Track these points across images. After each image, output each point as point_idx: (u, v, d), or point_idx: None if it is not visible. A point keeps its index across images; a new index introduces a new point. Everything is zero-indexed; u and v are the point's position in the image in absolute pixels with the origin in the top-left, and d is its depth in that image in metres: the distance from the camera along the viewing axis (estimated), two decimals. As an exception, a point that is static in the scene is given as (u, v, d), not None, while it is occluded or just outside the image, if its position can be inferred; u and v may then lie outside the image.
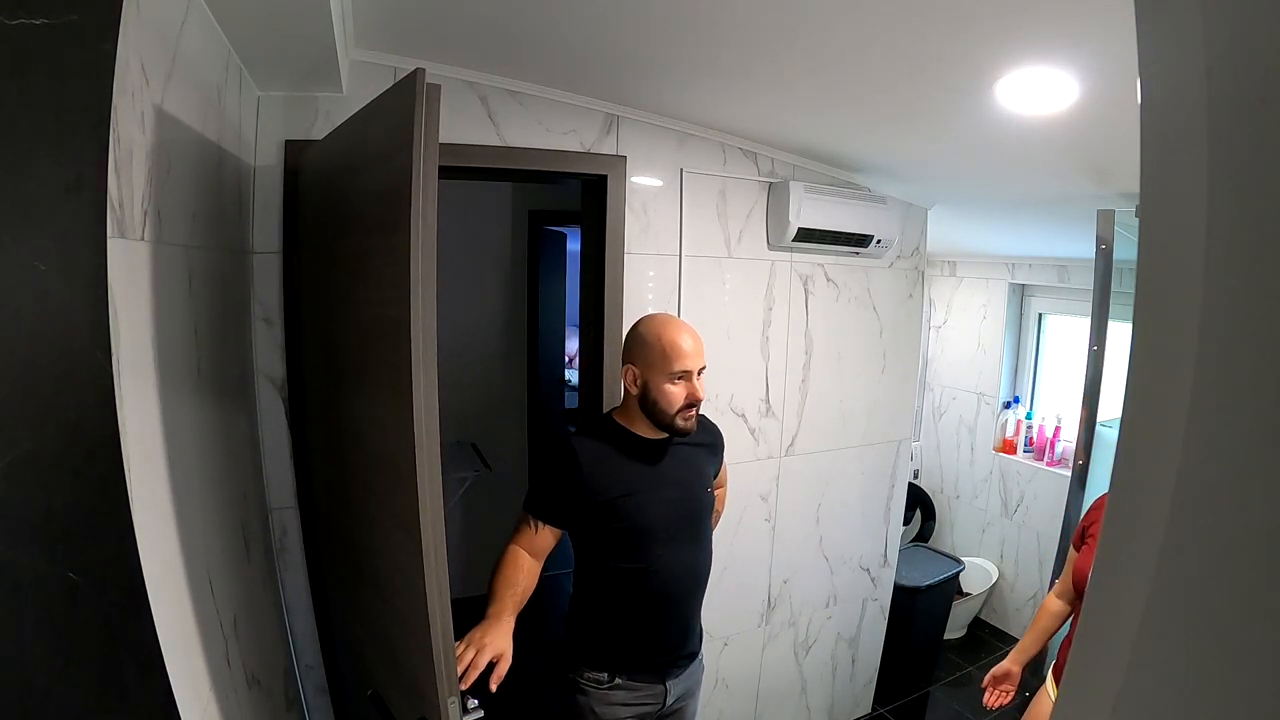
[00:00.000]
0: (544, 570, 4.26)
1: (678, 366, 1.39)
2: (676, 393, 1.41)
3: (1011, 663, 1.72)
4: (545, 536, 1.45)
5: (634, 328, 1.48)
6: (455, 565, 3.60)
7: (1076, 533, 1.70)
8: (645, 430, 1.48)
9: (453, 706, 1.03)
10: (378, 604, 1.24)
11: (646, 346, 1.42)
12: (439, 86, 0.95)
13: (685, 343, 1.41)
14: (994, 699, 1.72)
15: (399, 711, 1.25)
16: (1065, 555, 1.90)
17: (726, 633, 2.31)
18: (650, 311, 2.02)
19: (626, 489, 1.43)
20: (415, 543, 0.97)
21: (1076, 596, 1.68)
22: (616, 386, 1.97)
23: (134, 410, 0.79)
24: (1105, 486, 1.66)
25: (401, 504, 1.00)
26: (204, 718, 0.94)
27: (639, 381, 1.44)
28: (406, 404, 0.94)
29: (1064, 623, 1.72)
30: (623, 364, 1.48)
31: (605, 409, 1.91)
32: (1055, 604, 1.71)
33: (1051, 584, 1.85)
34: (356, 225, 1.16)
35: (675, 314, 2.05)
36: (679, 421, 1.43)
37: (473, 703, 1.10)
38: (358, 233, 1.15)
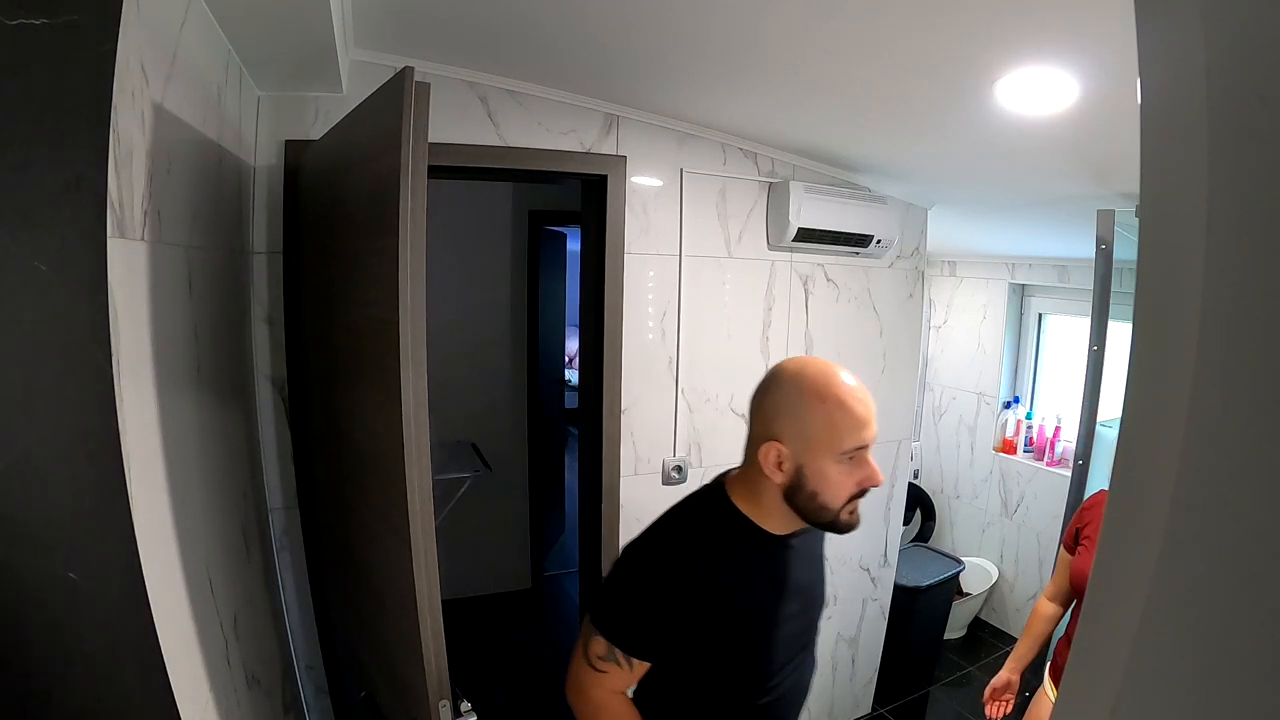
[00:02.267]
0: (543, 570, 4.22)
1: (851, 442, 0.96)
2: (846, 480, 0.97)
3: (1009, 672, 1.72)
4: (639, 671, 1.04)
5: (775, 384, 1.02)
6: (454, 567, 3.58)
7: (1068, 534, 1.70)
8: (778, 524, 1.05)
9: (444, 710, 1.03)
10: (371, 605, 1.24)
11: (805, 413, 0.97)
12: (428, 85, 0.95)
13: (860, 404, 0.97)
14: (996, 711, 1.72)
15: (391, 714, 1.24)
16: (1063, 556, 1.91)
17: (726, 633, 2.30)
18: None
19: (748, 610, 1.04)
20: (405, 544, 0.97)
21: (1074, 598, 1.68)
22: (617, 386, 1.97)
23: (134, 410, 0.79)
24: (1105, 486, 1.66)
25: (391, 505, 1.00)
26: (204, 718, 0.94)
27: (787, 464, 0.99)
28: (395, 405, 0.94)
29: (1057, 625, 1.73)
30: (759, 439, 1.02)
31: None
32: (1048, 607, 1.71)
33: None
34: (349, 225, 1.16)
35: (676, 314, 2.05)
36: (844, 517, 1.00)
37: (465, 705, 1.09)
38: (350, 233, 1.15)
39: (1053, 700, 1.62)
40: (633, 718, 1.04)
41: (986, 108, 1.44)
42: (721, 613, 1.01)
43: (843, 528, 1.01)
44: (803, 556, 1.10)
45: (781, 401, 1.00)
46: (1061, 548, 1.74)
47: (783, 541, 1.07)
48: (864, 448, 0.98)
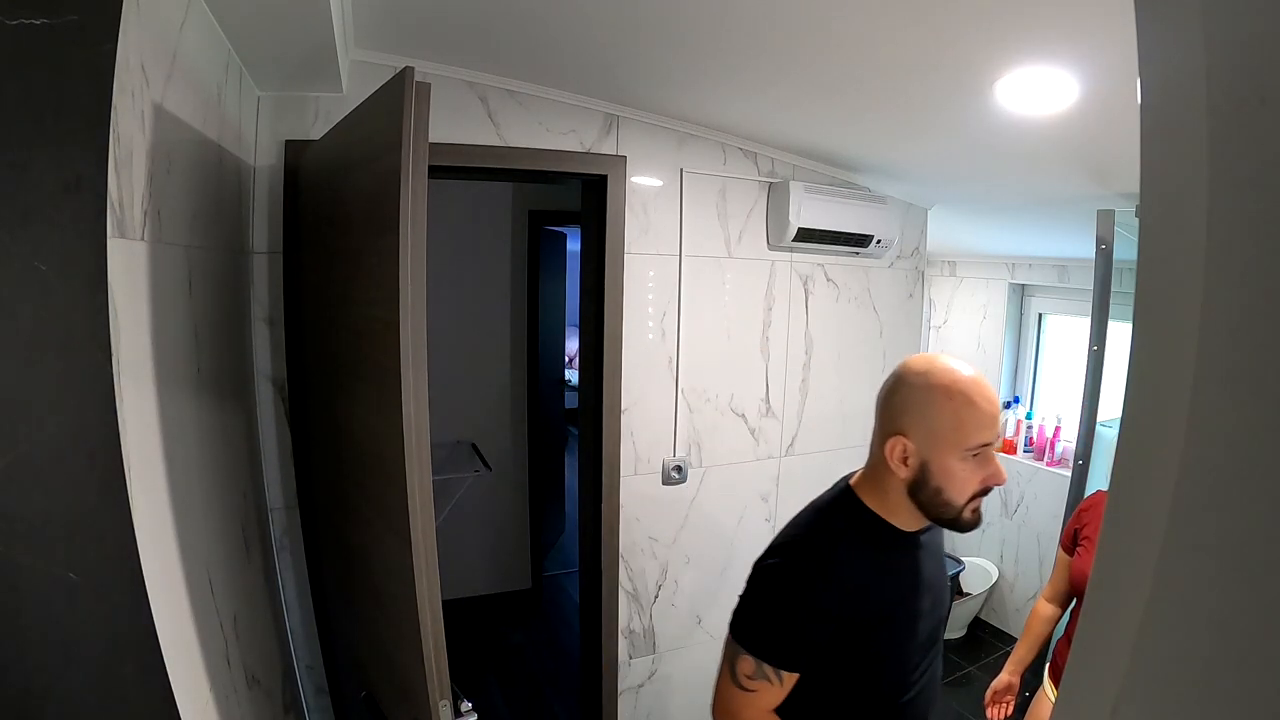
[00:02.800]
0: (542, 570, 4.23)
1: (976, 439, 0.97)
2: (970, 478, 0.98)
3: (1009, 674, 1.72)
4: (789, 685, 1.02)
5: (902, 380, 1.03)
6: (454, 567, 3.57)
7: (1066, 535, 1.70)
8: (906, 521, 1.06)
9: (444, 709, 1.03)
10: (372, 605, 1.24)
11: (931, 410, 0.98)
12: (429, 85, 0.95)
13: (986, 403, 0.98)
14: (997, 714, 1.72)
15: (391, 714, 1.24)
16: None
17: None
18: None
19: (887, 607, 1.04)
20: (405, 544, 0.97)
21: (1072, 599, 1.68)
22: (617, 386, 1.97)
23: (134, 410, 0.79)
24: (1105, 486, 1.66)
25: (392, 505, 1.00)
26: (204, 718, 0.94)
27: (912, 460, 1.00)
28: (396, 405, 0.94)
29: (1056, 626, 1.73)
30: (885, 434, 1.03)
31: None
32: (1046, 609, 1.71)
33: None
34: (350, 225, 1.16)
35: (676, 314, 2.05)
36: (967, 514, 1.00)
37: (466, 705, 1.09)
38: (351, 233, 1.15)
39: (1053, 700, 1.62)
40: None
41: (986, 108, 1.44)
42: (866, 612, 1.01)
43: (965, 525, 1.01)
44: (931, 554, 1.11)
45: (909, 397, 1.01)
46: (1059, 549, 1.74)
47: (913, 538, 1.08)
48: (989, 445, 0.99)
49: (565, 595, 3.71)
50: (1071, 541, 1.67)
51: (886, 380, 1.06)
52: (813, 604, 1.00)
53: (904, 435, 1.00)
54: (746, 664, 1.00)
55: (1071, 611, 1.70)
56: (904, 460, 1.01)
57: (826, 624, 0.99)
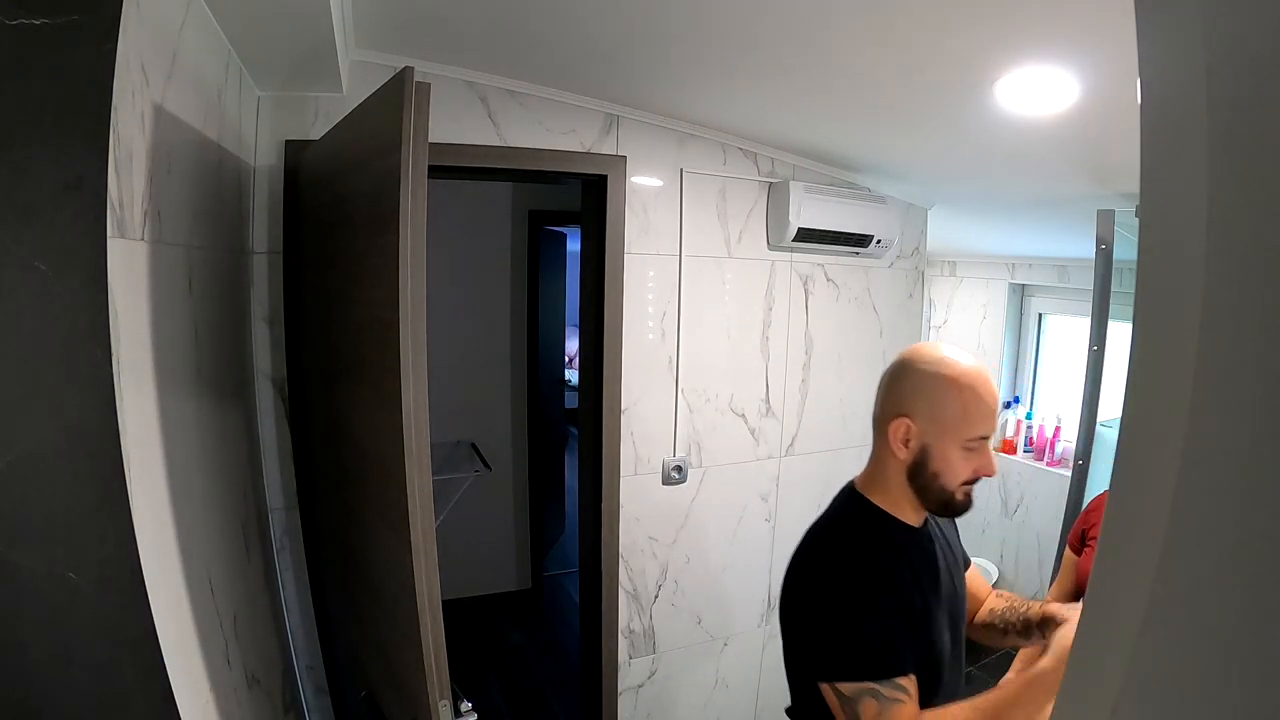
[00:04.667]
0: (542, 570, 4.22)
1: (978, 431, 1.02)
2: (964, 467, 1.03)
3: (1016, 674, 1.71)
4: (913, 688, 0.98)
5: (913, 366, 1.06)
6: (454, 567, 3.59)
7: (1074, 535, 1.70)
8: (910, 515, 1.09)
9: (444, 709, 1.03)
10: (371, 605, 1.24)
11: (941, 398, 1.02)
12: (429, 85, 0.95)
13: (991, 397, 1.03)
14: None
15: (391, 713, 1.25)
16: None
17: (726, 633, 2.30)
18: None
19: (924, 607, 1.05)
20: (405, 544, 0.97)
21: (1079, 598, 1.68)
22: (617, 386, 1.97)
23: (134, 410, 0.79)
24: (1105, 486, 1.66)
25: (392, 505, 1.00)
26: (204, 718, 0.94)
27: (913, 443, 1.04)
28: (396, 405, 0.94)
29: None
30: (890, 415, 1.05)
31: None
32: None
33: (1050, 587, 1.85)
34: (349, 225, 1.16)
35: (676, 314, 2.05)
36: (959, 497, 1.04)
37: (465, 705, 1.09)
38: (350, 233, 1.16)
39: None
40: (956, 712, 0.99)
41: (986, 108, 1.44)
42: (912, 608, 1.03)
43: (959, 508, 1.06)
44: (941, 544, 1.15)
45: (920, 383, 1.04)
46: (1066, 549, 1.74)
47: (921, 533, 1.11)
48: (987, 438, 1.04)
49: (565, 595, 3.71)
50: (1079, 541, 1.66)
51: (893, 366, 1.09)
52: (885, 605, 1.00)
53: (909, 418, 1.03)
54: (858, 695, 0.96)
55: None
56: (905, 442, 1.04)
57: (901, 616, 1.01)
